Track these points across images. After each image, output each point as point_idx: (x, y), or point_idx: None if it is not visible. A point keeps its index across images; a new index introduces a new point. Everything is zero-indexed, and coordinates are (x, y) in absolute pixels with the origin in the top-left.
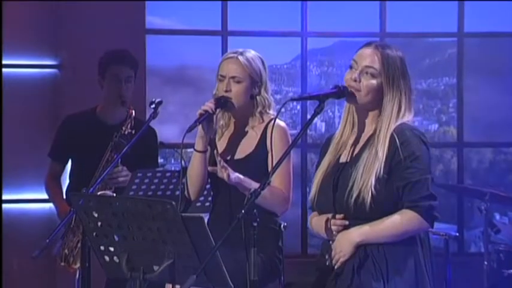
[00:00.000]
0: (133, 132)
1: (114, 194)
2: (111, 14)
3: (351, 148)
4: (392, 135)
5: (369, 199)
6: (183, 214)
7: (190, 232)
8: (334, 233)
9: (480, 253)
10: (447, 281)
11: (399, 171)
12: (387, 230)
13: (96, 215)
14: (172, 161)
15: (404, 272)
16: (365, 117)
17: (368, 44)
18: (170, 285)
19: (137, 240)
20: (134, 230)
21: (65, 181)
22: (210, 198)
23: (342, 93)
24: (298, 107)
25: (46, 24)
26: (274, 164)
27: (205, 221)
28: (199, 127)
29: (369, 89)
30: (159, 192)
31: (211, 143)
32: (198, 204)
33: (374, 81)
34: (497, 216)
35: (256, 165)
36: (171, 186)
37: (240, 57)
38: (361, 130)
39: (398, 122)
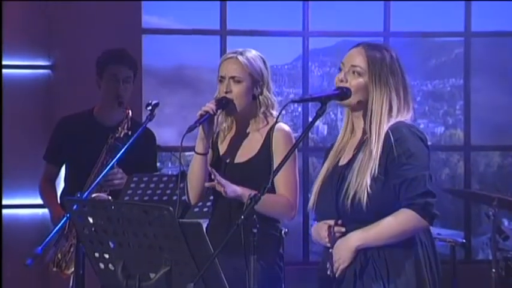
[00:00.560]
0: (129, 133)
1: (110, 197)
2: (106, 13)
3: (349, 152)
4: (387, 133)
5: (365, 199)
6: (180, 220)
7: (188, 238)
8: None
9: (488, 261)
10: None
11: (395, 168)
12: (384, 231)
13: (90, 220)
14: (170, 165)
15: (404, 273)
16: (361, 120)
17: (355, 45)
18: None
19: (133, 247)
20: (130, 236)
21: (60, 185)
22: (208, 204)
23: (344, 95)
24: (300, 109)
25: (38, 24)
26: (275, 169)
27: (204, 227)
28: (200, 129)
29: (356, 87)
30: (156, 197)
31: (213, 146)
32: (196, 209)
33: (361, 80)
34: (506, 223)
35: (259, 169)
36: (168, 191)
37: (240, 57)
38: (359, 134)
39: (393, 121)
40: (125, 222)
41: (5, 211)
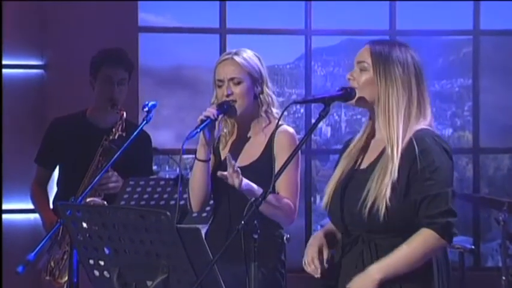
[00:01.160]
0: (124, 135)
1: (105, 202)
2: (101, 11)
3: (367, 154)
4: (411, 141)
5: (383, 210)
6: (178, 225)
7: (186, 245)
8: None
9: (498, 268)
10: None
11: (417, 182)
12: (406, 258)
13: (85, 226)
14: (167, 168)
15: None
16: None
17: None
18: None
19: (129, 254)
20: (126, 243)
21: (52, 189)
22: (207, 208)
23: (349, 95)
24: (302, 110)
25: (31, 21)
26: (277, 172)
27: (203, 232)
28: (201, 134)
29: (363, 83)
30: (153, 202)
31: (215, 151)
32: (195, 214)
33: (367, 75)
34: None
35: (261, 173)
36: (165, 196)
37: (236, 57)
38: (379, 135)
39: (414, 126)
40: (120, 227)
41: None
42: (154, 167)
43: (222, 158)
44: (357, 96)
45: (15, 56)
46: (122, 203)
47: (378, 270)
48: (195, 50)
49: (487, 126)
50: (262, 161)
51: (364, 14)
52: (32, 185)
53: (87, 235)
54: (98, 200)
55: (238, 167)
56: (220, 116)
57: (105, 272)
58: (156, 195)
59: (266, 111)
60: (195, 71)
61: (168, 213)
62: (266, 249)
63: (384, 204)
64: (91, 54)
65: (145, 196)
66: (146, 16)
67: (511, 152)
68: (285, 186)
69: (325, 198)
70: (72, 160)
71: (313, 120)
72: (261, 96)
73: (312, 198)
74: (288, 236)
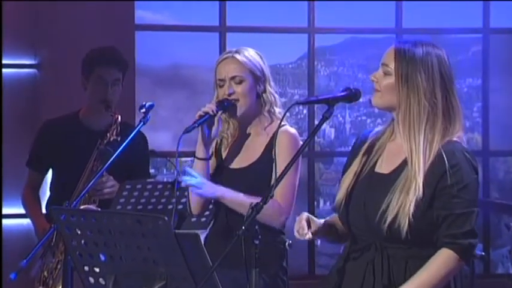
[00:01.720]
0: (119, 139)
1: (99, 209)
2: (97, 8)
3: (388, 157)
4: (440, 154)
5: (405, 226)
6: (176, 231)
7: (185, 251)
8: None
9: (508, 275)
10: None
11: (443, 198)
12: (430, 284)
13: (79, 232)
14: (165, 171)
15: None
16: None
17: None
18: None
19: (125, 260)
20: (122, 249)
21: (45, 194)
22: (207, 213)
23: (353, 96)
24: (305, 111)
25: (24, 19)
26: (278, 175)
27: (202, 238)
28: (199, 132)
29: (385, 87)
30: (150, 206)
31: (216, 154)
32: (194, 219)
33: (390, 80)
34: None
35: (260, 174)
36: (163, 200)
37: (237, 55)
38: (399, 140)
39: (442, 139)
40: (116, 233)
41: None
42: (152, 170)
43: (223, 158)
44: (377, 99)
45: (7, 55)
46: (118, 207)
47: None
48: (193, 48)
49: (497, 128)
50: (262, 162)
51: (369, 11)
52: (23, 189)
53: (82, 241)
54: (92, 207)
55: (238, 169)
56: (219, 113)
57: (101, 279)
58: (153, 200)
59: (269, 111)
60: (193, 71)
61: (166, 218)
62: (267, 255)
63: (407, 221)
64: (86, 53)
65: (143, 200)
66: (143, 14)
67: None
68: (279, 187)
69: (340, 194)
70: (65, 163)
71: (316, 122)
72: (263, 95)
73: (315, 202)
74: (290, 242)
